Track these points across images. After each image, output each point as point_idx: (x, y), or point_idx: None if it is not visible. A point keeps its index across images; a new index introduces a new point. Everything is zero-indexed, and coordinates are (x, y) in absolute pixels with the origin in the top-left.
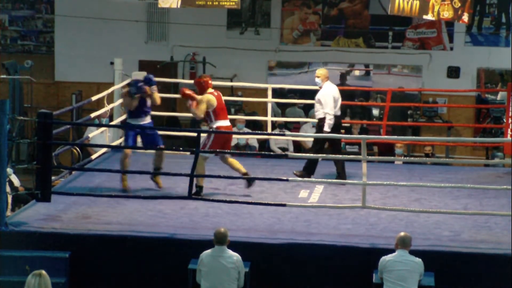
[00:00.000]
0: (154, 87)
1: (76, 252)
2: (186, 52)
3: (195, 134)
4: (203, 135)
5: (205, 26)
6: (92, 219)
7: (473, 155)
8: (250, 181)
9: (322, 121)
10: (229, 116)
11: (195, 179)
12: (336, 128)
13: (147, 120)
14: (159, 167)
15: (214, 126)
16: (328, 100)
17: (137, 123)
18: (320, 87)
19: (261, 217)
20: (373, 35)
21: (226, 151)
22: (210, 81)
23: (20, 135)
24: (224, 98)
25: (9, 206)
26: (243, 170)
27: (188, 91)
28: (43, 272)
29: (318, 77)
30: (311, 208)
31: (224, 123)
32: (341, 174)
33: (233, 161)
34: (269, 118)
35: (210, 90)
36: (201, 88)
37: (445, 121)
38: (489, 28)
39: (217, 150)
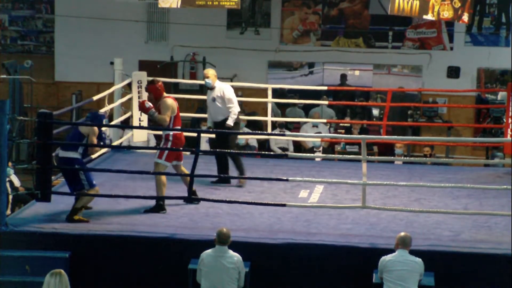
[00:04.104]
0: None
1: (76, 252)
2: (186, 52)
3: (195, 134)
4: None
5: (205, 26)
6: (92, 219)
7: (473, 155)
8: (194, 200)
9: (225, 121)
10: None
11: (156, 191)
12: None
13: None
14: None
15: (172, 133)
16: (235, 99)
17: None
18: (212, 87)
19: (261, 217)
20: (373, 35)
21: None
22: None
23: (20, 135)
24: None
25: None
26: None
27: (147, 105)
28: (62, 271)
29: (208, 77)
30: (311, 208)
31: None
32: (240, 170)
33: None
34: (269, 118)
35: (165, 94)
36: (158, 94)
37: (445, 121)
38: (489, 28)
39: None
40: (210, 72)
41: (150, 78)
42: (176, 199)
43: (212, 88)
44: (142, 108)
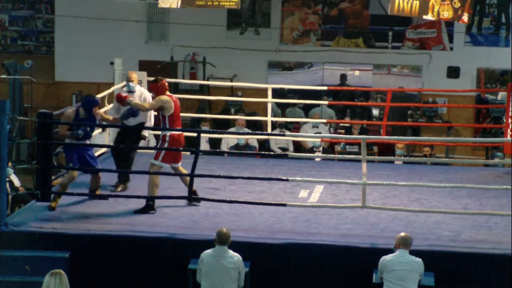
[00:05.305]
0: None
1: (76, 252)
2: (186, 52)
3: (195, 134)
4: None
5: (205, 26)
6: (92, 219)
7: (473, 155)
8: (194, 200)
9: (142, 125)
10: (229, 117)
11: (148, 192)
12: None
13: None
14: (96, 188)
15: (168, 133)
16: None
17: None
18: (134, 91)
19: (261, 217)
20: (373, 35)
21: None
22: (167, 85)
23: (20, 135)
24: (224, 98)
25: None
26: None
27: (124, 94)
28: (62, 271)
29: (132, 80)
30: (311, 208)
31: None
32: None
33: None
34: (269, 118)
35: (168, 93)
36: (159, 92)
37: (445, 121)
38: (489, 28)
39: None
40: (134, 75)
41: (152, 78)
42: (177, 198)
43: (132, 92)
44: (120, 98)
